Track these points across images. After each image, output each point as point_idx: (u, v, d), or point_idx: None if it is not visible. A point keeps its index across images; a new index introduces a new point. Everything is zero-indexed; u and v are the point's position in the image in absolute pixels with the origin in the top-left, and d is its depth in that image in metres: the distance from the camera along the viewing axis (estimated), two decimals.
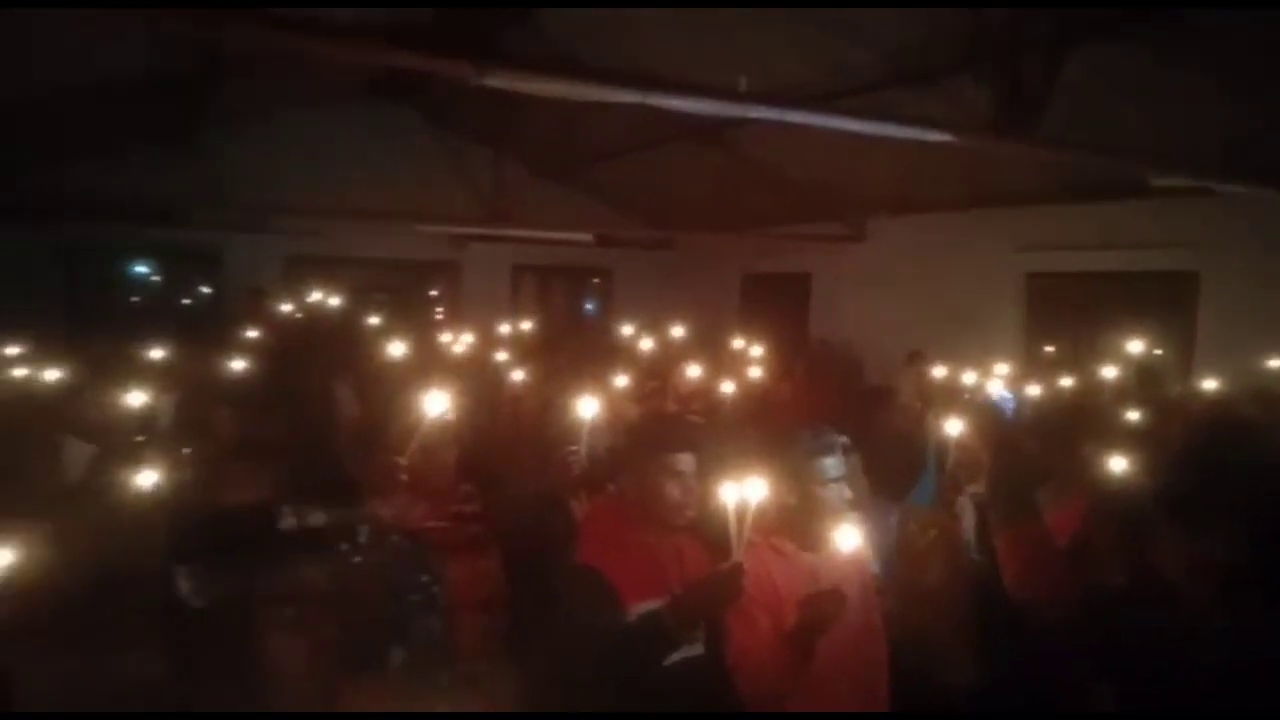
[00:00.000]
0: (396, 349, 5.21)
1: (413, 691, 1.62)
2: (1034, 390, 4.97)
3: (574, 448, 2.93)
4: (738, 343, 6.83)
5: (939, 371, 5.75)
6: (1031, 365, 6.64)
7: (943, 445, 3.46)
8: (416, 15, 5.12)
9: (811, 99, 3.01)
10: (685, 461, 2.37)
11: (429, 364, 5.34)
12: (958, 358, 5.96)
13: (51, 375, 3.74)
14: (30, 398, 3.54)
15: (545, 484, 3.01)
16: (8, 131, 6.18)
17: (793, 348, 7.71)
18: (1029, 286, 7.22)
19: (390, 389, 4.58)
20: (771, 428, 4.04)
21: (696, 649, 2.20)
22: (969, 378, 5.19)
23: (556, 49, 5.32)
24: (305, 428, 4.02)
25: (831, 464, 2.31)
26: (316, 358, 5.51)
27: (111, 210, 7.76)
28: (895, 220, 7.96)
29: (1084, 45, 4.04)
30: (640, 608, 2.18)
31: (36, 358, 4.30)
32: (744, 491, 2.00)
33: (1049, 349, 7.05)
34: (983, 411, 3.21)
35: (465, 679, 2.37)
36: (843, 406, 4.93)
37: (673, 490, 2.33)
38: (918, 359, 6.56)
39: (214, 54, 5.41)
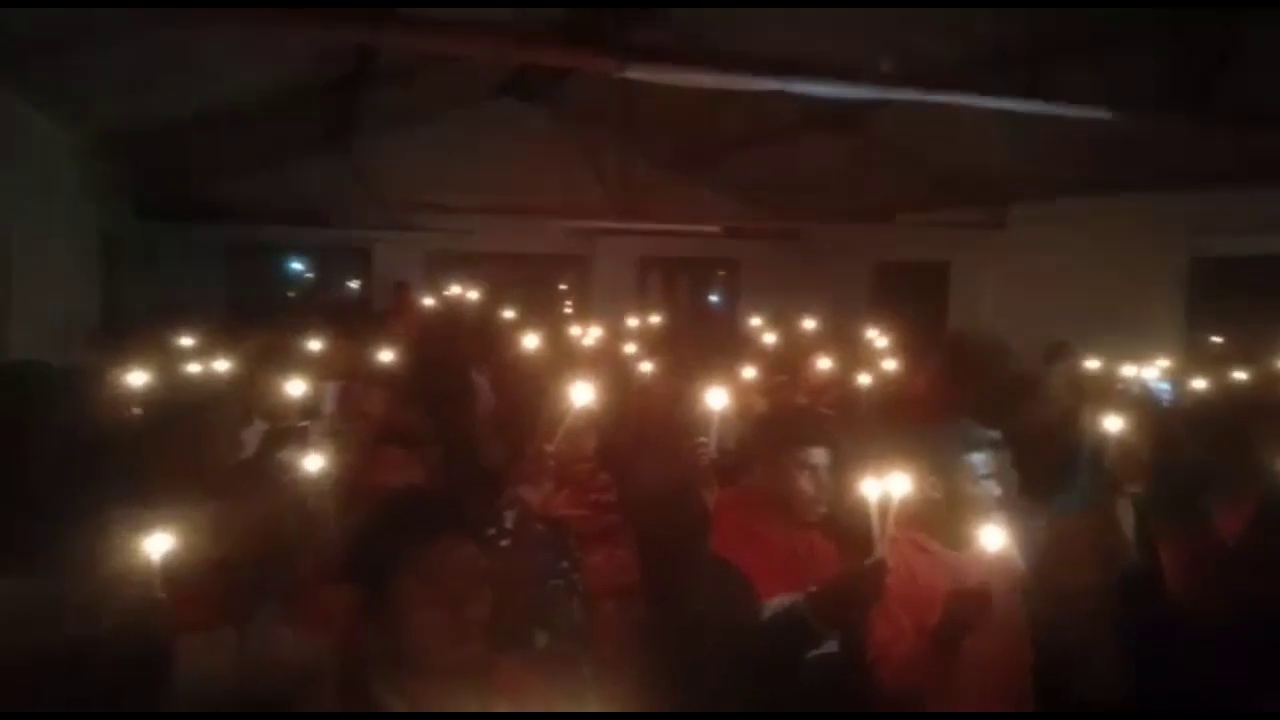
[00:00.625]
0: (530, 341, 5.37)
1: (556, 675, 1.66)
2: (1198, 384, 4.61)
3: (703, 439, 2.94)
4: (870, 334, 6.64)
5: (1090, 364, 5.42)
6: (1194, 357, 6.14)
7: (1098, 442, 3.27)
8: (550, 15, 5.24)
9: (956, 78, 2.87)
10: (818, 455, 2.34)
11: (562, 356, 5.47)
12: (1110, 350, 5.60)
13: (220, 365, 4.07)
14: (205, 385, 3.87)
15: (676, 475, 3.03)
16: (180, 144, 6.77)
17: (930, 339, 7.43)
18: (1192, 272, 6.67)
19: (525, 380, 4.76)
20: (908, 422, 3.92)
21: (830, 646, 2.17)
22: (1125, 371, 4.86)
23: (689, 42, 5.32)
24: (445, 416, 4.20)
25: (981, 460, 2.22)
26: (455, 350, 5.74)
27: (269, 213, 8.42)
28: (1040, 205, 7.52)
29: (1261, 6, 3.67)
30: (773, 603, 2.17)
31: (205, 349, 4.68)
32: (887, 486, 1.95)
33: (1216, 340, 6.50)
34: (1143, 407, 3.01)
35: (605, 665, 2.42)
36: (985, 401, 4.71)
37: (805, 485, 2.31)
38: (1064, 351, 6.19)
39: (365, 61, 5.71)
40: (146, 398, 3.35)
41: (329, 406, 3.50)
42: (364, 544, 1.47)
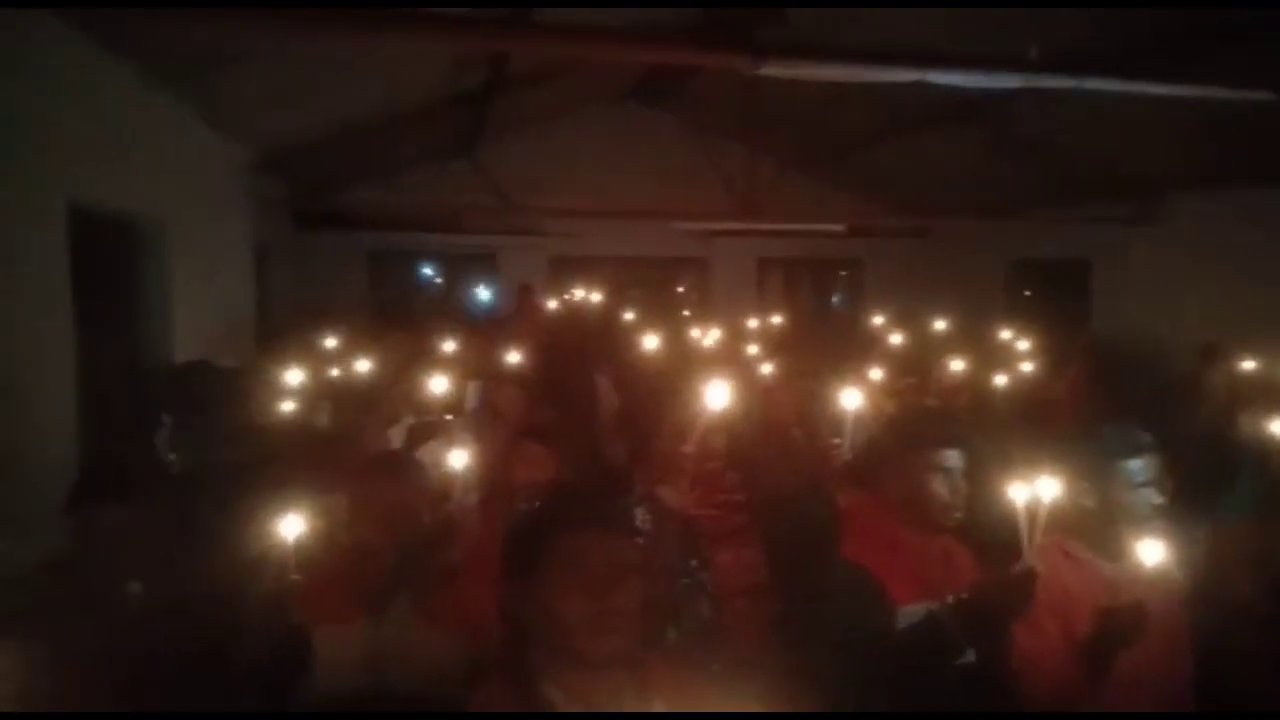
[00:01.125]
0: (651, 342, 5.43)
1: (688, 672, 1.67)
2: None
3: (837, 440, 2.90)
4: (1006, 335, 6.37)
5: (1251, 365, 5.02)
6: None
7: (1263, 449, 3.03)
8: (681, 17, 5.25)
9: (1106, 64, 2.69)
10: (951, 458, 2.25)
11: (683, 357, 5.51)
12: (1272, 352, 5.17)
13: (365, 364, 4.30)
14: (353, 383, 4.11)
15: (805, 475, 3.00)
16: (328, 155, 7.21)
17: (1071, 341, 7.04)
18: None
19: (647, 381, 4.82)
20: (1051, 427, 3.74)
21: (968, 656, 2.09)
22: None
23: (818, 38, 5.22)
24: (571, 415, 4.31)
25: (1138, 466, 2.09)
26: (579, 351, 5.87)
27: (404, 219, 8.85)
28: (1196, 198, 6.99)
29: None
30: (909, 610, 2.11)
31: (351, 349, 4.96)
32: (1036, 490, 1.87)
33: None
34: None
35: (735, 665, 2.42)
36: (1136, 405, 4.44)
37: (940, 489, 2.22)
38: (1221, 351, 5.74)
39: (497, 70, 5.91)
40: (301, 393, 3.60)
41: (471, 403, 3.67)
42: (516, 536, 1.52)
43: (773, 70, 2.44)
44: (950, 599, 2.06)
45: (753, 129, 6.72)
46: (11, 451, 2.85)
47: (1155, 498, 2.10)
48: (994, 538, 2.20)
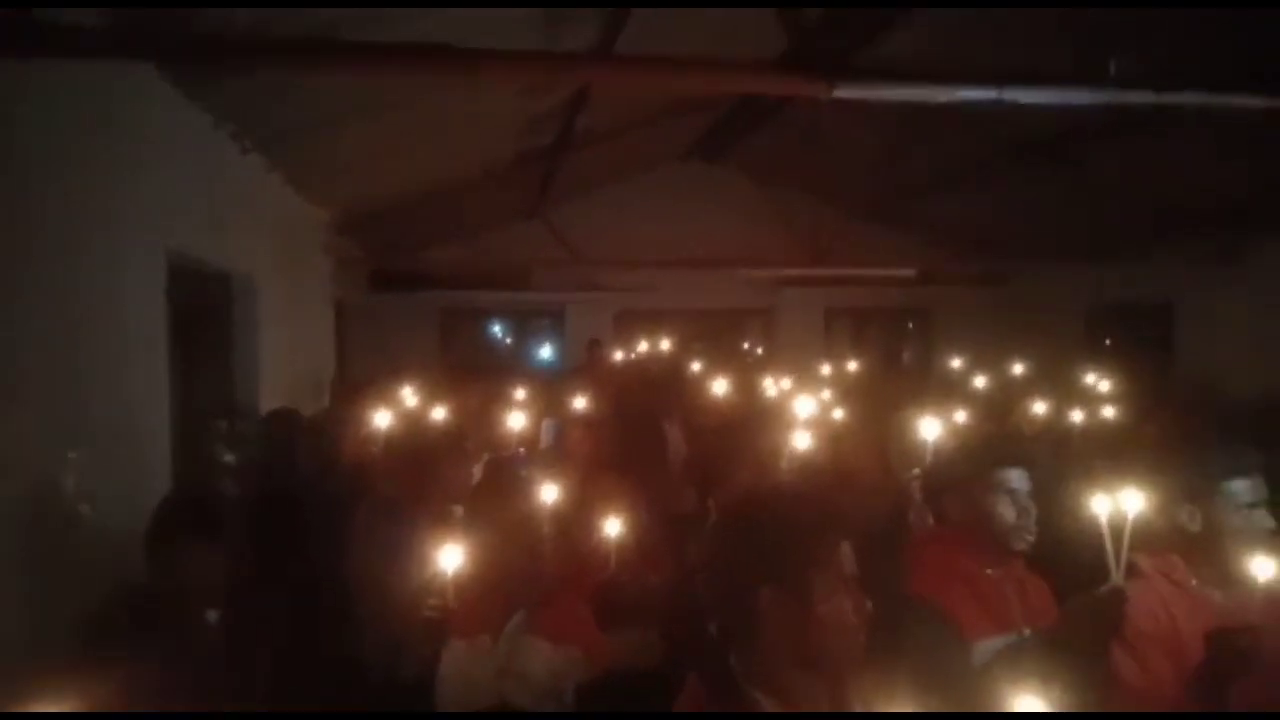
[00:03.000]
0: (720, 389, 5.42)
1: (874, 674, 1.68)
2: None
3: (916, 471, 2.83)
4: (1086, 381, 6.16)
5: None
6: None
7: None
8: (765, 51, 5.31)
9: (1194, 80, 2.61)
10: (1018, 478, 2.16)
11: (752, 406, 5.47)
12: None
13: (440, 413, 4.39)
14: (434, 429, 4.19)
15: (883, 511, 2.92)
16: (406, 218, 7.51)
17: (1155, 387, 6.77)
18: None
19: (715, 430, 4.80)
20: (1139, 459, 3.58)
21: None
22: None
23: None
24: (640, 462, 4.31)
25: (1246, 487, 1.98)
26: (647, 400, 5.89)
27: (475, 278, 9.12)
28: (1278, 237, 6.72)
29: None
30: (986, 645, 2.02)
31: (427, 401, 5.07)
32: (1118, 504, 1.77)
33: None
34: None
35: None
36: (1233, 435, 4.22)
37: (1005, 510, 2.12)
38: None
39: (567, 129, 6.11)
40: (385, 441, 3.69)
41: (546, 440, 3.71)
42: (759, 542, 1.52)
43: (847, 93, 2.47)
44: (1028, 631, 1.96)
45: (817, 178, 6.76)
46: (114, 492, 2.98)
47: (1265, 520, 1.98)
48: (1074, 562, 2.10)
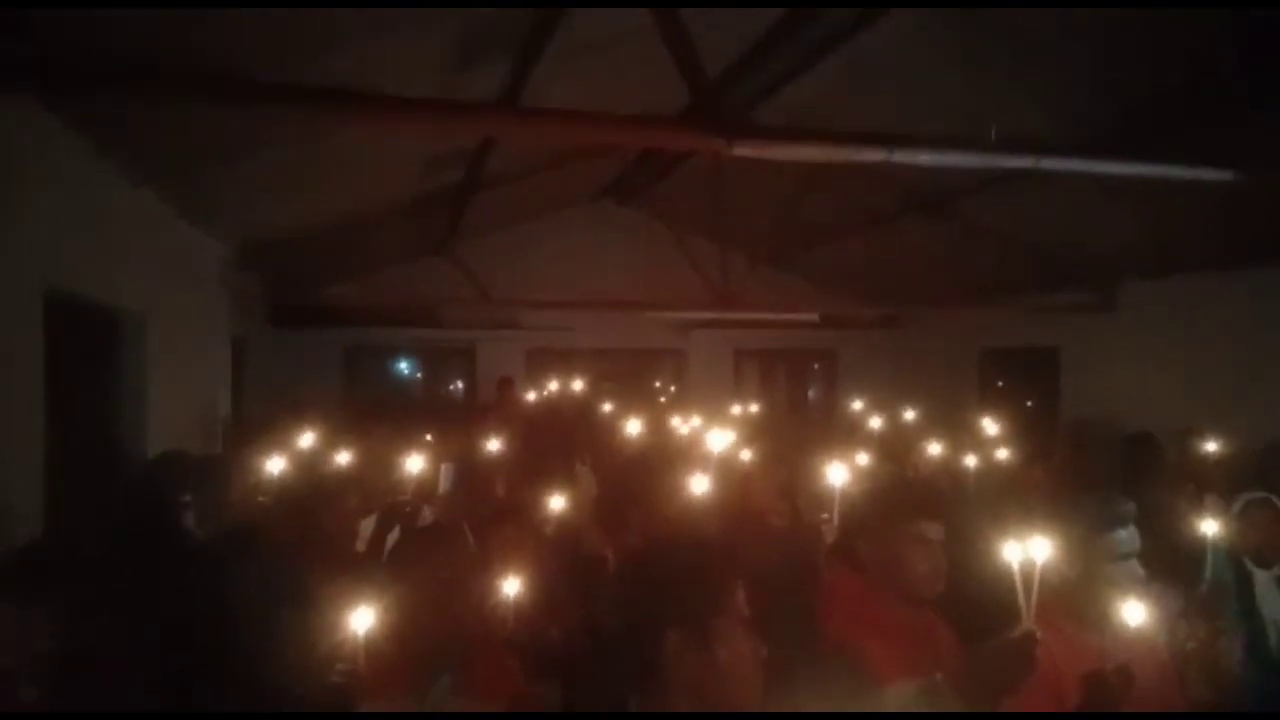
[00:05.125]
0: (632, 430, 5.43)
1: None
2: None
3: (825, 515, 2.88)
4: (980, 422, 6.44)
5: (1214, 447, 5.15)
6: None
7: (1226, 529, 3.07)
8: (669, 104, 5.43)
9: (1066, 146, 2.81)
10: (933, 530, 2.24)
11: (662, 447, 5.50)
12: (1238, 433, 5.30)
13: (339, 458, 4.25)
14: (326, 476, 4.04)
15: (792, 555, 2.96)
16: (309, 253, 7.30)
17: (1043, 427, 7.14)
18: None
19: (626, 470, 4.80)
20: (1029, 504, 3.75)
21: None
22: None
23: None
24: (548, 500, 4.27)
25: (1125, 537, 2.08)
26: (557, 439, 5.85)
27: (380, 315, 8.90)
28: (1153, 284, 7.23)
29: None
30: (895, 689, 2.06)
31: (326, 443, 4.90)
32: (1029, 551, 1.84)
33: None
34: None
35: None
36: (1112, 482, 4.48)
37: (919, 561, 2.20)
38: (1190, 436, 5.85)
39: (477, 167, 6.08)
40: (276, 487, 3.53)
41: (445, 485, 3.62)
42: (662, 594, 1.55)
43: (746, 151, 2.55)
44: (938, 675, 2.01)
45: (723, 224, 6.91)
46: None
47: (1137, 569, 2.10)
48: (976, 610, 2.16)
